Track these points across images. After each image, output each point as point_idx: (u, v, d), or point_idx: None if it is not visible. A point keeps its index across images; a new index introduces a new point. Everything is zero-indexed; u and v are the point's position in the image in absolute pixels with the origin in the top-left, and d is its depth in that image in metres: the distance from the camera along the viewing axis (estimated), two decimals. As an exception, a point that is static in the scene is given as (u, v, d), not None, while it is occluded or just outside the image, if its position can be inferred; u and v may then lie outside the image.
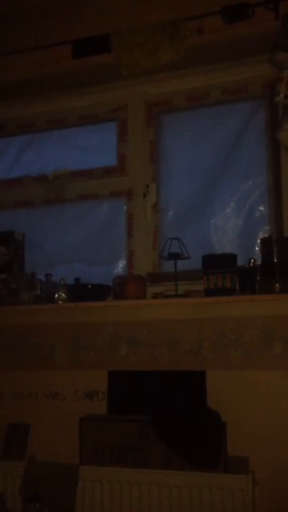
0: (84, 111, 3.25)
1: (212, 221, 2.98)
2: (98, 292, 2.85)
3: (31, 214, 3.29)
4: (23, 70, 3.16)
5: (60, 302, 2.84)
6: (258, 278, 2.60)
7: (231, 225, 2.94)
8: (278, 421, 2.52)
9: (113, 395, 2.79)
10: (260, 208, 2.90)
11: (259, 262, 2.64)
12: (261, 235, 2.84)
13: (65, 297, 2.84)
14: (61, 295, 2.85)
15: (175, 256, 2.75)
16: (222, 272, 2.60)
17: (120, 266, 3.11)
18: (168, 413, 2.60)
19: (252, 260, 2.66)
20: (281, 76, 2.65)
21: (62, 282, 2.88)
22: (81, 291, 2.85)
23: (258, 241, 2.76)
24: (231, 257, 2.66)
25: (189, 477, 2.45)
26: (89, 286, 2.87)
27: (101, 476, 2.57)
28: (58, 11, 3.03)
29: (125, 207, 3.13)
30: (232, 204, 2.95)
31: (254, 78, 2.92)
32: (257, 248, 2.80)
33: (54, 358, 2.92)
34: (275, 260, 2.55)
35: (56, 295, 2.85)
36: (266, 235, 2.80)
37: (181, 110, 3.10)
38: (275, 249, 2.57)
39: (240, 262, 2.66)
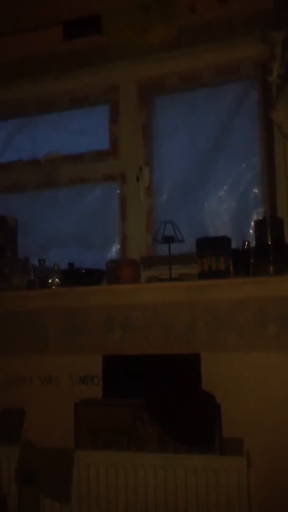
0: (75, 93, 3.20)
1: (205, 203, 2.95)
2: (92, 277, 2.83)
3: (23, 198, 3.26)
4: (13, 52, 3.13)
5: (53, 288, 2.83)
6: (252, 260, 2.58)
7: (225, 208, 2.92)
8: (272, 402, 2.53)
9: (108, 379, 2.79)
10: (254, 190, 2.87)
11: (253, 244, 2.62)
12: (255, 217, 2.82)
13: (59, 282, 2.83)
14: (54, 280, 2.83)
15: (169, 240, 2.73)
16: (216, 255, 2.59)
17: (114, 250, 3.09)
18: (163, 396, 2.59)
19: (246, 243, 2.64)
20: (274, 55, 2.62)
21: (55, 268, 2.86)
22: (74, 276, 2.84)
23: (252, 223, 2.74)
24: (225, 240, 2.64)
25: (184, 459, 2.46)
26: (83, 271, 2.85)
27: (97, 459, 2.57)
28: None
29: (118, 191, 3.10)
30: (225, 186, 2.92)
31: (247, 58, 2.87)
32: (251, 231, 2.78)
33: (48, 342, 2.91)
34: (269, 242, 2.54)
35: (49, 280, 2.84)
36: (260, 217, 2.78)
37: (173, 91, 3.06)
38: (269, 231, 2.55)
39: (234, 244, 2.64)
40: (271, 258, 2.51)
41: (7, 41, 3.12)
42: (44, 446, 2.71)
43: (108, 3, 2.93)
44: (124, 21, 2.91)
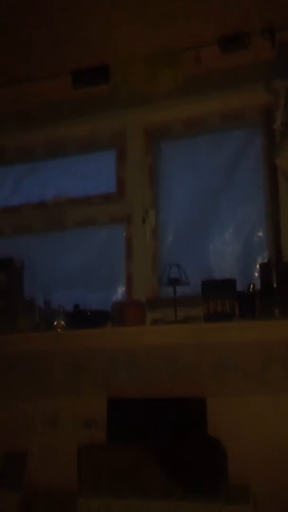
0: (83, 139, 3.28)
1: (211, 246, 2.98)
2: (97, 319, 2.83)
3: (31, 240, 3.30)
4: (23, 99, 3.22)
5: (59, 330, 2.83)
6: (257, 303, 2.59)
7: (230, 250, 2.95)
8: (279, 447, 2.48)
9: (112, 423, 2.75)
10: (259, 233, 2.91)
11: (258, 287, 2.63)
12: (259, 260, 2.84)
13: (64, 324, 2.83)
14: (60, 322, 2.84)
15: (174, 282, 2.75)
16: (221, 298, 2.59)
17: (120, 292, 3.10)
18: (168, 441, 2.56)
19: (251, 286, 2.65)
20: (278, 103, 2.69)
21: (60, 310, 2.87)
22: (80, 318, 2.84)
23: (257, 266, 2.76)
24: (231, 283, 2.65)
25: (189, 506, 2.40)
26: (88, 313, 2.86)
27: (100, 505, 2.51)
28: (56, 43, 3.01)
29: (124, 233, 3.14)
30: (230, 229, 2.96)
31: (251, 105, 2.96)
32: (256, 274, 2.79)
33: (53, 385, 2.88)
34: (274, 286, 2.55)
35: (55, 323, 2.84)
36: (265, 260, 2.80)
37: (179, 136, 3.14)
38: (274, 274, 2.57)
39: (239, 287, 2.65)
40: (277, 301, 2.52)
41: (17, 89, 3.22)
42: (47, 490, 2.66)
43: (116, 53, 3.03)
44: (132, 71, 3.01)
